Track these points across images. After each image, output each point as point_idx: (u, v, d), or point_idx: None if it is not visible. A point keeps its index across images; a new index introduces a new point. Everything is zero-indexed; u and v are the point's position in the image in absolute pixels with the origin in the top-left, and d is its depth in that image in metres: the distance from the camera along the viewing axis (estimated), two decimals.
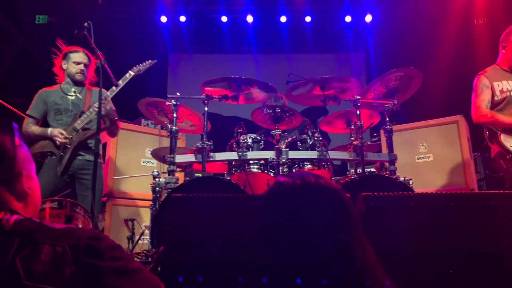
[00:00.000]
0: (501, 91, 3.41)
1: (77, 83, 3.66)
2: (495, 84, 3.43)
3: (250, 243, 1.19)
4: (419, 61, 5.75)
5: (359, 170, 3.56)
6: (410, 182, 3.16)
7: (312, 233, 1.05)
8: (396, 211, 2.06)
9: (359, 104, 3.24)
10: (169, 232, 2.14)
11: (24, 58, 6.20)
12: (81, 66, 3.62)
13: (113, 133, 3.73)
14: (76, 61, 3.62)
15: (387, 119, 3.34)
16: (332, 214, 1.08)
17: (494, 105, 3.42)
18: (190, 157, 3.27)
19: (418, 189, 4.04)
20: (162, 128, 4.65)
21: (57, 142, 3.39)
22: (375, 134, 5.70)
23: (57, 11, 6.21)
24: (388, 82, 3.43)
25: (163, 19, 6.68)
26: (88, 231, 1.05)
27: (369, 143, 3.48)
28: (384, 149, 4.17)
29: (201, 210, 2.03)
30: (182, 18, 6.71)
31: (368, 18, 6.72)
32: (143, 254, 2.63)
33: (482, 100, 3.41)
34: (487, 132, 3.49)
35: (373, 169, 4.34)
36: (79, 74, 3.62)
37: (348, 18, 6.79)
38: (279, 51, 6.96)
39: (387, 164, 3.29)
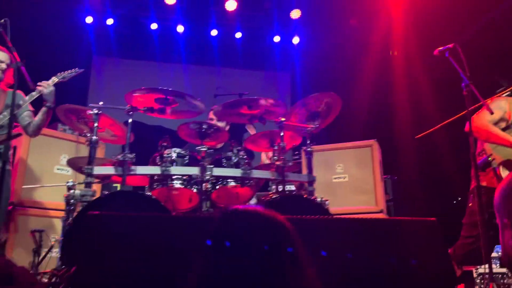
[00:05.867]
0: None
1: None
2: None
3: (169, 268, 1.18)
4: (342, 86, 6.12)
5: (280, 188, 3.68)
6: (327, 202, 3.33)
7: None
8: (311, 234, 2.16)
9: (283, 126, 3.35)
10: (82, 251, 2.03)
11: None
12: (3, 66, 3.35)
13: (44, 122, 3.48)
14: None
15: (308, 141, 3.49)
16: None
17: (506, 128, 3.25)
18: (109, 170, 3.15)
19: (334, 207, 4.26)
20: (80, 134, 4.42)
21: None
22: (296, 153, 5.92)
23: None
24: (310, 106, 3.60)
25: (89, 19, 6.40)
26: None
27: (290, 163, 3.60)
28: (304, 169, 4.34)
29: (119, 230, 1.96)
30: (110, 21, 6.48)
31: (296, 40, 7.01)
32: (52, 274, 2.46)
33: (488, 115, 3.15)
34: (489, 159, 3.18)
35: (293, 187, 4.51)
36: None
37: (276, 38, 7.03)
38: (209, 64, 7.00)
39: (306, 184, 3.43)
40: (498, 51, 5.39)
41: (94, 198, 2.94)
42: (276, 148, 3.40)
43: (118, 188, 5.01)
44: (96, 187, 4.50)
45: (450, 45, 3.22)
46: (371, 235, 2.15)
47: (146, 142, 3.93)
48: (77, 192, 3.03)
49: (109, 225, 1.99)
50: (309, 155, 3.46)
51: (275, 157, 3.42)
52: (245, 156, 3.35)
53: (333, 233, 2.17)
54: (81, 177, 3.89)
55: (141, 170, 3.15)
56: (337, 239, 2.14)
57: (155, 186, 3.30)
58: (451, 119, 5.67)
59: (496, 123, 3.24)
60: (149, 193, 3.24)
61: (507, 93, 5.00)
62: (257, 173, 3.31)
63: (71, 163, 3.78)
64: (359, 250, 2.10)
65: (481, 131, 3.18)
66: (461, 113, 5.32)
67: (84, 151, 4.86)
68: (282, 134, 3.35)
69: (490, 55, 5.31)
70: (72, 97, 5.23)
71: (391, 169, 5.55)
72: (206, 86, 6.54)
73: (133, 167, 3.10)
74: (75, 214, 2.93)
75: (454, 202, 5.89)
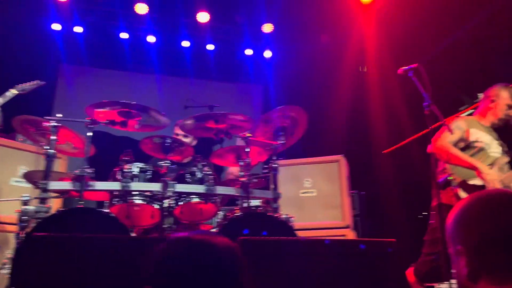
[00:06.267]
0: (476, 140, 3.35)
1: None
2: (472, 130, 3.37)
3: None
4: (315, 101, 6.18)
5: (245, 204, 3.63)
6: (292, 219, 3.31)
7: None
8: (271, 255, 2.12)
9: (249, 142, 3.32)
10: (29, 274, 1.93)
11: None
12: None
13: None
14: None
15: (274, 157, 3.46)
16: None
17: (465, 148, 3.33)
18: (66, 185, 3.02)
19: (302, 222, 4.25)
20: (40, 146, 4.27)
21: None
22: (265, 166, 5.90)
23: None
24: (275, 121, 3.59)
25: (56, 26, 6.23)
26: None
27: (255, 180, 3.57)
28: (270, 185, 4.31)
29: (68, 252, 1.87)
30: (78, 29, 6.34)
31: (267, 54, 7.03)
32: None
33: (449, 136, 3.24)
34: (449, 178, 3.22)
35: (258, 203, 4.46)
36: None
37: (248, 51, 7.04)
38: (182, 75, 6.93)
39: (271, 200, 3.40)
40: (462, 69, 5.55)
41: (48, 214, 2.82)
42: (242, 163, 3.35)
43: (80, 202, 4.87)
44: (57, 202, 4.36)
45: (413, 65, 3.27)
46: (331, 256, 2.13)
47: (108, 156, 3.82)
48: (31, 208, 2.90)
49: (56, 247, 1.90)
50: (275, 171, 3.44)
51: (240, 173, 3.38)
52: (210, 172, 3.29)
53: (294, 255, 2.13)
54: (38, 192, 3.74)
55: (100, 185, 3.05)
56: (298, 261, 2.11)
57: (115, 202, 3.20)
58: (412, 137, 5.78)
59: (455, 143, 3.28)
60: (107, 210, 3.13)
61: (468, 112, 5.14)
62: (221, 190, 3.26)
63: (28, 176, 3.62)
64: (317, 272, 2.07)
65: (442, 153, 3.22)
66: (423, 132, 5.46)
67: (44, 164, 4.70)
68: (247, 149, 3.31)
69: (455, 72, 5.46)
70: (35, 106, 5.07)
71: (362, 184, 5.59)
72: (178, 97, 6.45)
73: (91, 183, 2.99)
74: (28, 231, 2.80)
75: (419, 216, 5.97)
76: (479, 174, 3.12)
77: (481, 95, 5.84)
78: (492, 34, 5.11)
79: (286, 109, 3.51)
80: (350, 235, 4.60)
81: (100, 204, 3.93)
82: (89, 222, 2.69)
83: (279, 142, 3.47)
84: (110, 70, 6.82)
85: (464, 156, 3.20)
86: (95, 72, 6.71)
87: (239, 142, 5.29)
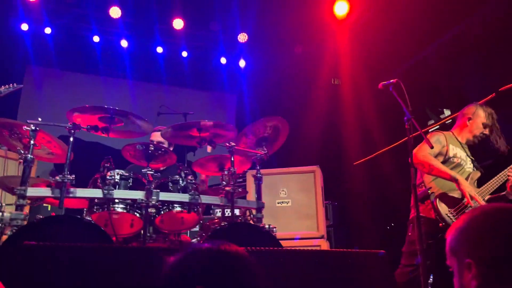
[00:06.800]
0: (455, 155, 3.41)
1: None
2: (451, 146, 3.43)
3: None
4: (290, 111, 6.23)
5: (227, 213, 3.62)
6: (274, 230, 3.32)
7: None
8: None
9: (233, 151, 3.31)
10: (11, 283, 1.83)
11: None
12: None
13: None
14: None
15: (258, 167, 3.47)
16: None
17: (444, 162, 3.37)
18: (45, 191, 2.89)
19: (278, 232, 4.27)
20: (11, 150, 4.07)
21: None
22: (240, 175, 5.89)
23: None
24: (259, 130, 3.60)
25: (24, 27, 6.00)
26: None
27: (239, 189, 3.56)
28: (251, 193, 4.31)
29: (55, 261, 1.79)
30: (48, 30, 6.12)
31: (242, 63, 7.06)
32: None
33: (429, 148, 3.19)
34: (429, 191, 3.28)
35: (237, 212, 4.44)
36: None
37: (223, 60, 7.04)
38: (155, 81, 6.83)
39: (254, 211, 3.39)
40: (431, 85, 5.79)
41: (26, 222, 2.69)
42: (226, 173, 3.33)
43: (49, 209, 4.66)
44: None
45: (393, 80, 3.34)
46: (322, 267, 2.15)
47: (85, 162, 3.69)
48: (7, 215, 2.76)
49: (45, 256, 1.81)
50: (259, 180, 3.44)
51: (223, 182, 3.35)
52: (193, 181, 3.25)
53: (284, 265, 2.14)
54: (9, 197, 3.58)
55: (82, 193, 2.94)
56: (288, 271, 2.12)
57: (95, 210, 3.09)
58: (386, 148, 5.98)
59: (434, 157, 3.41)
60: (88, 218, 3.02)
61: (436, 127, 5.36)
62: (205, 199, 3.22)
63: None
64: (310, 282, 2.09)
65: (424, 164, 3.32)
66: (397, 143, 5.65)
67: (12, 168, 4.49)
68: (232, 159, 3.30)
69: (423, 87, 5.68)
70: (0, 109, 4.83)
71: (335, 194, 5.69)
72: (151, 103, 6.35)
73: (72, 189, 2.88)
74: (3, 238, 2.66)
75: (388, 228, 6.13)
76: (458, 186, 3.24)
77: (447, 111, 6.13)
78: (460, 51, 5.37)
79: (269, 120, 3.53)
80: (325, 245, 4.66)
81: (71, 211, 3.79)
82: (70, 230, 2.58)
83: (262, 151, 3.47)
84: (81, 73, 6.62)
85: (445, 168, 3.32)
86: (65, 75, 6.49)
87: (210, 150, 5.27)
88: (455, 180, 3.20)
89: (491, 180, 3.43)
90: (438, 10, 5.11)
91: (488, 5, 4.94)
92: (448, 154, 3.42)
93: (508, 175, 3.34)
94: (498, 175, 3.43)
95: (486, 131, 3.52)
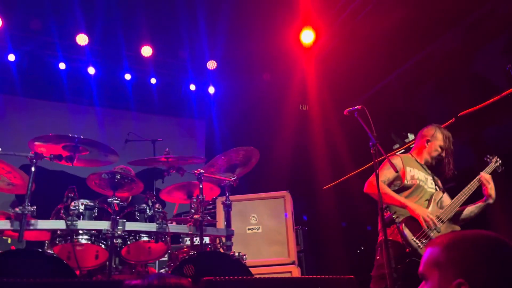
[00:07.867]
0: (412, 177, 3.40)
1: None
2: (408, 168, 3.42)
3: None
4: (259, 137, 6.27)
5: (196, 241, 3.54)
6: (244, 257, 3.28)
7: None
8: None
9: (202, 178, 3.29)
10: None
11: None
12: None
13: None
14: None
15: (227, 193, 3.45)
16: None
17: (402, 188, 3.39)
18: (4, 224, 2.76)
19: (248, 259, 4.21)
20: None
21: None
22: (210, 202, 5.82)
23: None
24: (229, 158, 3.60)
25: None
26: None
27: (209, 217, 3.51)
28: (220, 221, 4.27)
29: None
30: (11, 57, 5.99)
31: (211, 89, 7.10)
32: None
33: (384, 175, 3.30)
34: (393, 216, 3.26)
35: (207, 240, 4.37)
36: None
37: (192, 86, 7.07)
38: (123, 108, 6.76)
39: (223, 238, 3.35)
40: (393, 110, 5.98)
41: None
42: (194, 200, 3.29)
43: (9, 242, 4.45)
44: None
45: (358, 107, 3.42)
46: None
47: (48, 192, 3.57)
48: None
49: None
50: (228, 207, 3.42)
51: (192, 210, 3.31)
52: (161, 209, 3.19)
53: None
54: None
55: (43, 224, 2.83)
56: None
57: (57, 242, 2.97)
58: (353, 172, 6.08)
59: (391, 182, 3.43)
60: (50, 251, 2.90)
61: (401, 151, 5.50)
62: (174, 228, 3.16)
63: None
64: None
65: (375, 192, 3.23)
66: (364, 167, 5.76)
67: None
68: (201, 186, 3.27)
69: (387, 113, 5.86)
70: None
71: (305, 219, 5.71)
72: (119, 130, 6.26)
73: (33, 221, 2.77)
74: None
75: (358, 251, 6.17)
76: (410, 212, 3.29)
77: (411, 135, 6.31)
78: (419, 78, 5.60)
79: (240, 149, 3.54)
80: (296, 271, 4.63)
81: (33, 244, 3.64)
82: (31, 265, 2.47)
83: (231, 178, 3.46)
84: (46, 101, 6.47)
85: (395, 195, 3.32)
86: (29, 103, 6.32)
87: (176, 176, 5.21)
88: (404, 206, 3.24)
89: (460, 193, 3.48)
90: (400, 39, 5.34)
91: (447, 34, 5.20)
92: (405, 177, 3.43)
93: (481, 181, 3.40)
94: (467, 186, 3.47)
95: (443, 154, 3.62)
